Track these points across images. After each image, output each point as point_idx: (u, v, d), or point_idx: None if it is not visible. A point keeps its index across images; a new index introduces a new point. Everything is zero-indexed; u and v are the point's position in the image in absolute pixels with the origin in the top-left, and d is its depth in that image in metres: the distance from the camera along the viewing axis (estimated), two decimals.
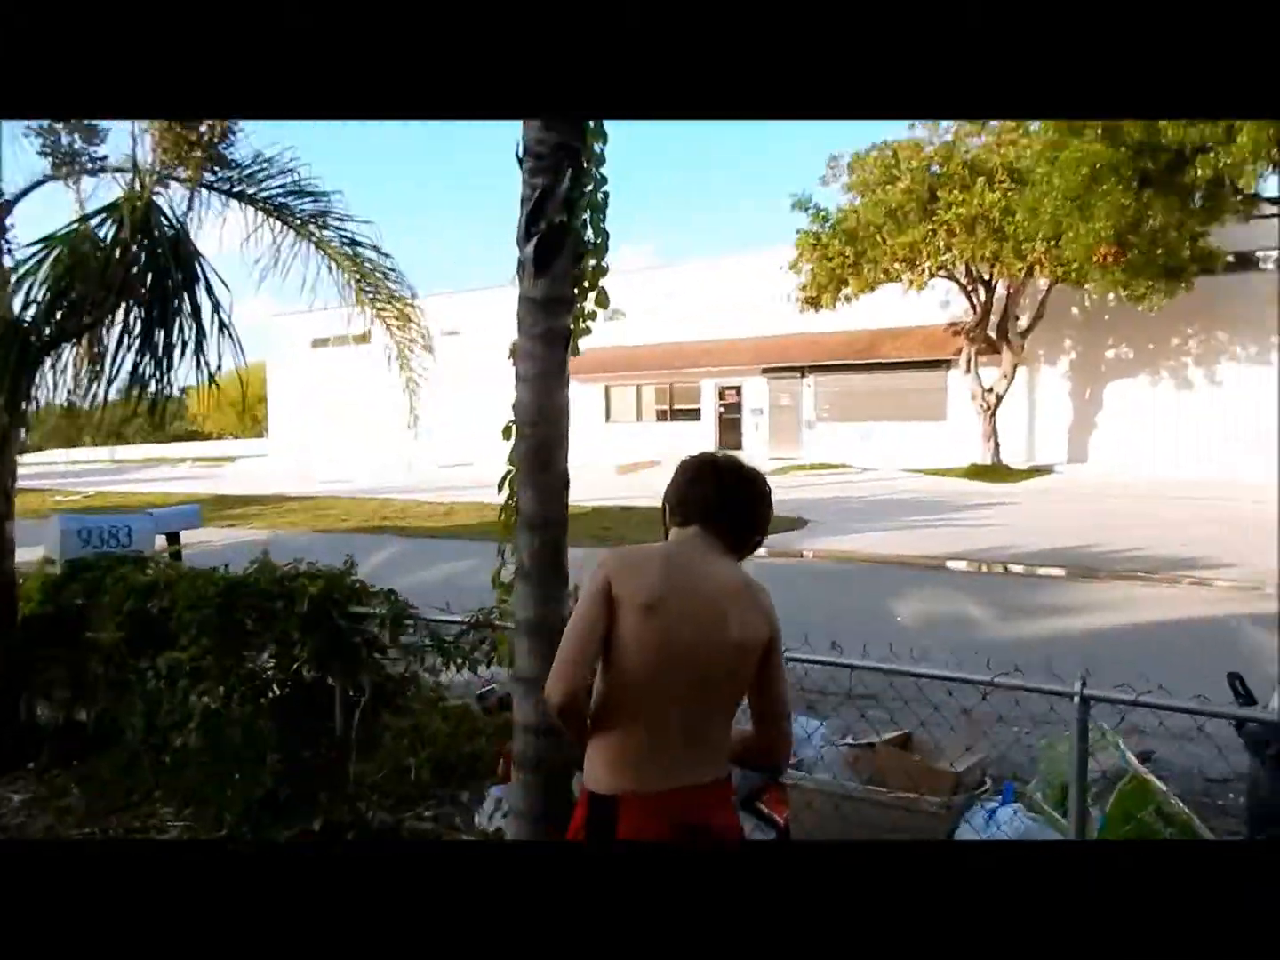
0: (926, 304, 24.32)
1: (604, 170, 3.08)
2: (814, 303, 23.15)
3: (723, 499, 2.26)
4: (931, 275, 22.28)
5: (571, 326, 3.11)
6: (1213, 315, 21.61)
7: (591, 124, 3.02)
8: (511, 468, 3.21)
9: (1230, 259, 19.37)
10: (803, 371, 27.46)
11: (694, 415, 29.42)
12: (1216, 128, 9.14)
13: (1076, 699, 2.74)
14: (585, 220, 3.07)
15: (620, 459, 27.49)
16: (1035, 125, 20.33)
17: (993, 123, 21.27)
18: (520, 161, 3.03)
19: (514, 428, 3.14)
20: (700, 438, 27.87)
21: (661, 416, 31.00)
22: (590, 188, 3.06)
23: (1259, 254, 21.02)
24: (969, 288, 23.08)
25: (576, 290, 3.12)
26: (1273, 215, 12.62)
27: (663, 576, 2.13)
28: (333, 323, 7.91)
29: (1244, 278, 21.08)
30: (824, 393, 27.77)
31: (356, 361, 30.76)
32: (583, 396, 31.80)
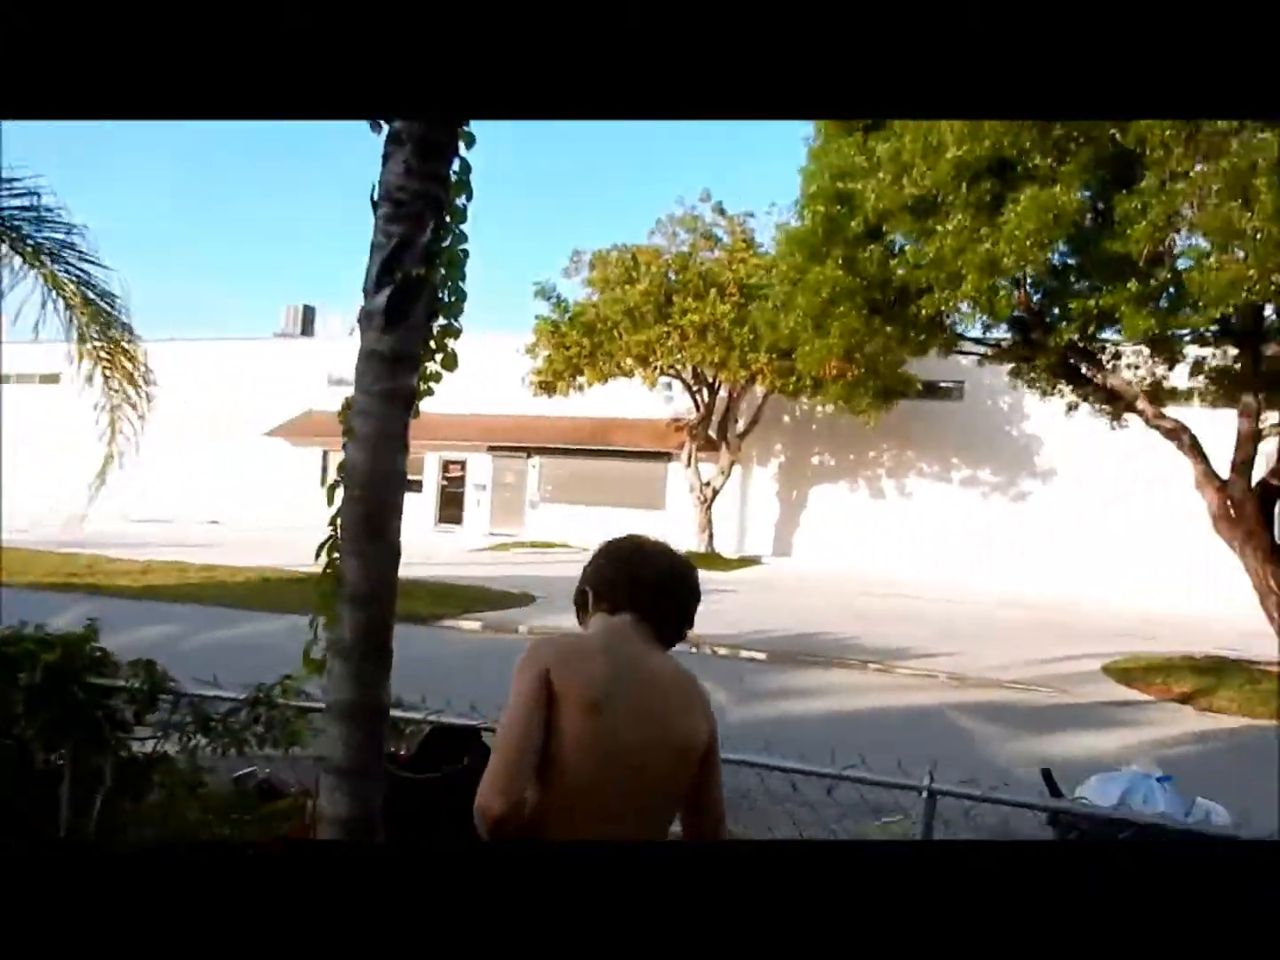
0: (650, 398, 25.32)
1: (464, 227, 2.95)
2: (548, 388, 23.51)
3: (660, 586, 2.13)
4: (662, 373, 23.29)
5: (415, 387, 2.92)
6: (904, 434, 23.92)
7: (456, 177, 2.89)
8: (333, 533, 2.94)
9: (919, 386, 21.60)
10: (529, 452, 27.65)
11: (415, 486, 28.78)
12: (941, 272, 10.19)
13: (925, 793, 2.81)
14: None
15: None
16: (765, 247, 22.03)
17: (724, 239, 22.85)
18: (375, 206, 2.84)
19: (341, 490, 2.89)
20: (422, 509, 27.28)
21: None
22: (450, 242, 2.91)
23: (943, 384, 23.66)
24: (695, 388, 24.29)
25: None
26: (970, 352, 14.16)
27: (606, 670, 1.95)
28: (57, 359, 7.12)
29: (931, 404, 23.60)
30: (548, 474, 28.06)
31: (67, 402, 27.79)
32: (298, 460, 30.32)
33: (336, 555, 2.92)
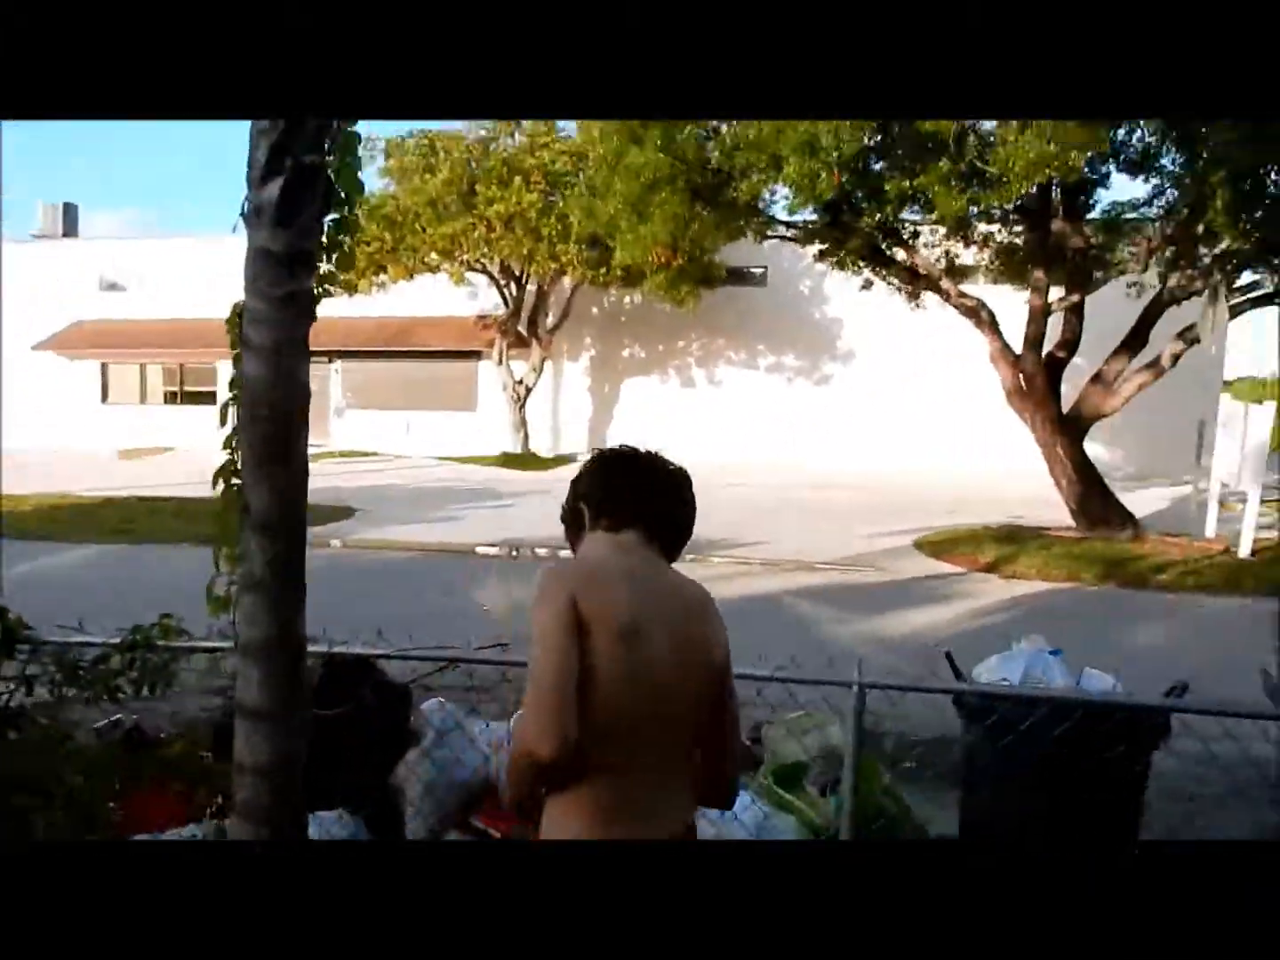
0: (457, 296, 24.57)
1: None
2: (349, 287, 22.37)
3: (665, 498, 2.00)
4: (469, 268, 22.55)
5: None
6: (712, 323, 24.19)
7: None
8: (230, 456, 2.65)
9: (724, 273, 21.80)
10: (330, 356, 26.41)
11: (209, 399, 27.10)
12: (761, 155, 10.17)
13: (855, 687, 2.84)
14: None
15: (122, 444, 24.57)
16: (566, 130, 21.45)
17: (525, 123, 22.06)
18: None
19: (237, 409, 2.59)
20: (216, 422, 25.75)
21: (171, 399, 28.14)
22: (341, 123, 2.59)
23: (749, 269, 23.98)
24: (503, 283, 23.68)
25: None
26: (783, 236, 14.33)
27: (632, 594, 1.84)
28: None
29: (736, 291, 23.90)
30: (353, 379, 26.99)
31: None
32: (74, 375, 27.92)
33: (236, 481, 2.64)
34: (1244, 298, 13.09)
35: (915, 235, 14.19)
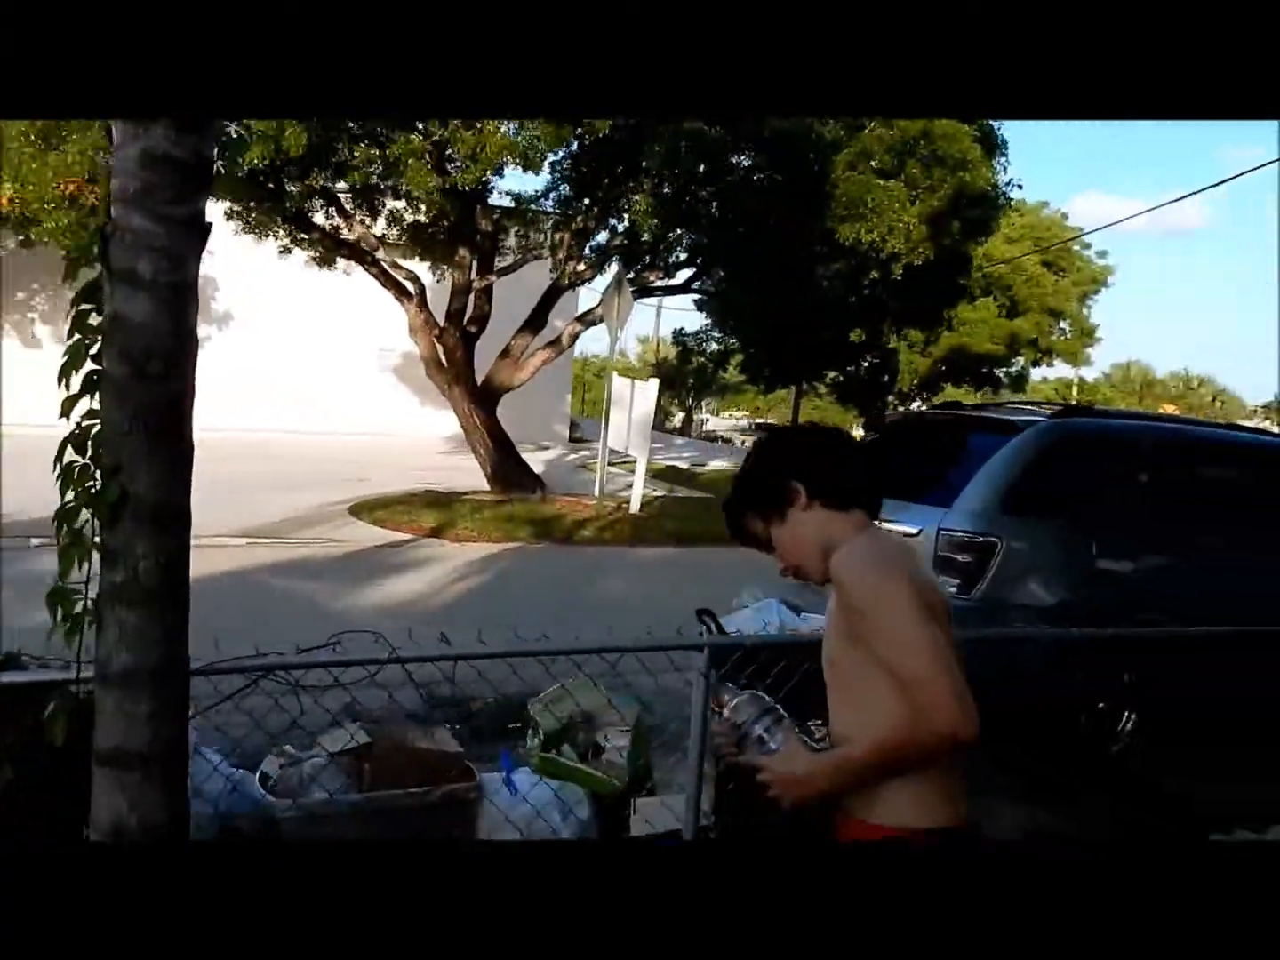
0: None
1: None
2: None
3: (871, 474, 1.99)
4: None
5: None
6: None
7: None
8: (83, 427, 1.97)
9: None
10: None
11: None
12: None
13: (706, 650, 2.97)
14: None
15: None
16: None
17: None
18: None
19: (112, 363, 1.94)
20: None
21: None
22: None
23: None
24: None
25: None
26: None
27: (927, 573, 1.86)
28: None
29: None
30: None
31: None
32: None
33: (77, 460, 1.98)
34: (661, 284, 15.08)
35: (338, 204, 13.95)
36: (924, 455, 6.37)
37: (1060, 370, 41.68)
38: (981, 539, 5.27)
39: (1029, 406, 6.62)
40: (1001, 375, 31.84)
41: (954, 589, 5.26)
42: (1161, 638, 4.57)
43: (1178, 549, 5.59)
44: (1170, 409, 44.73)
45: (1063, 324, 32.50)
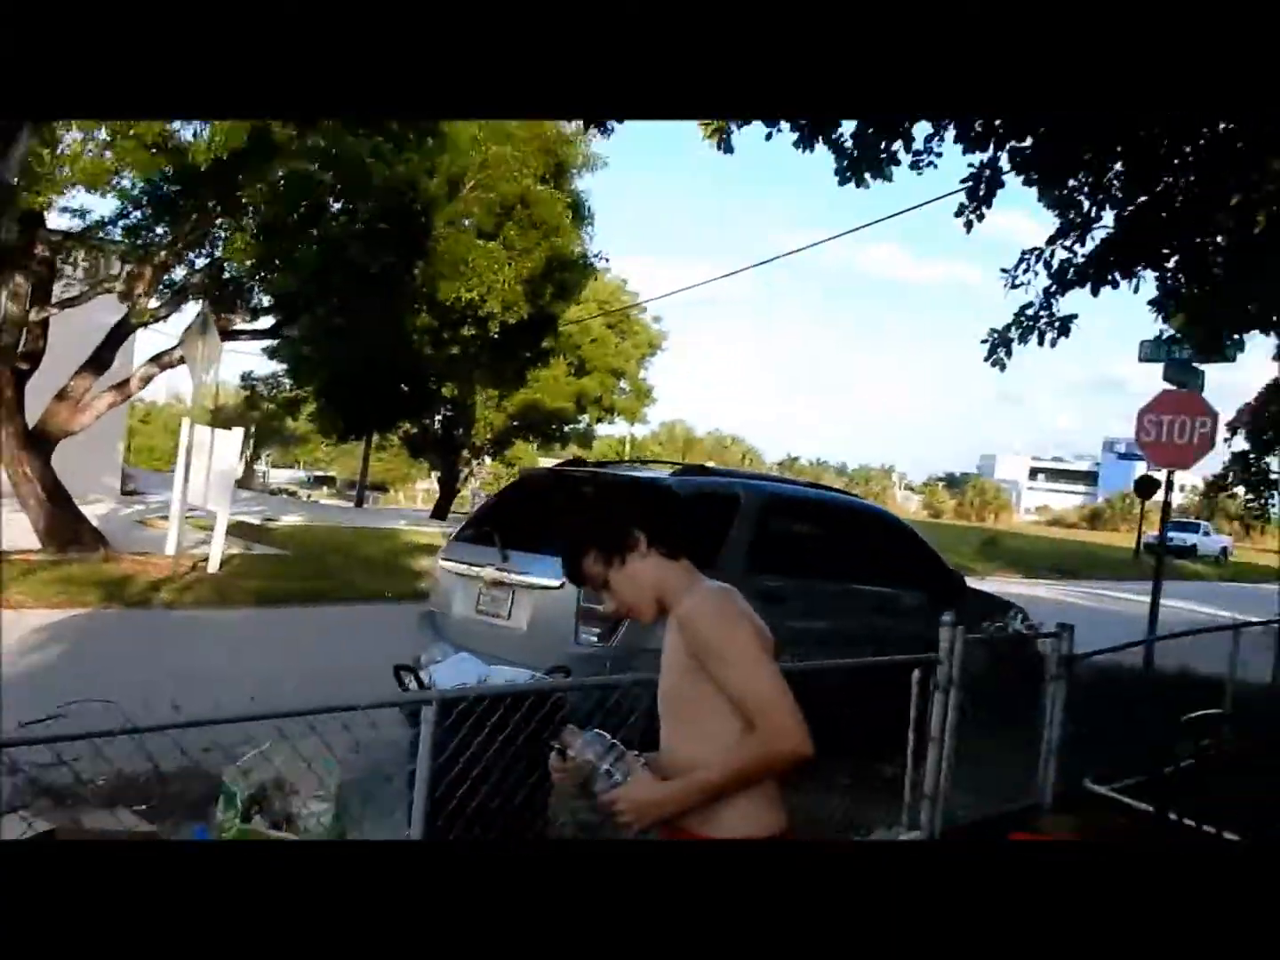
0: None
1: None
2: None
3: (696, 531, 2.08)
4: None
5: None
6: None
7: None
8: None
9: None
10: None
11: None
12: None
13: (435, 703, 2.95)
14: None
15: None
16: None
17: None
18: None
19: None
20: None
21: None
22: None
23: None
24: None
25: None
26: None
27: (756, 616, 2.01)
28: None
29: None
30: None
31: None
32: None
33: None
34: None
35: None
36: (549, 511, 6.70)
37: (618, 428, 44.98)
38: None
39: (649, 465, 7.19)
40: (569, 431, 33.74)
41: (595, 638, 5.59)
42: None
43: (788, 591, 6.36)
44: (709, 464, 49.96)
45: (623, 384, 35.15)
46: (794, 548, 6.53)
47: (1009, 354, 7.33)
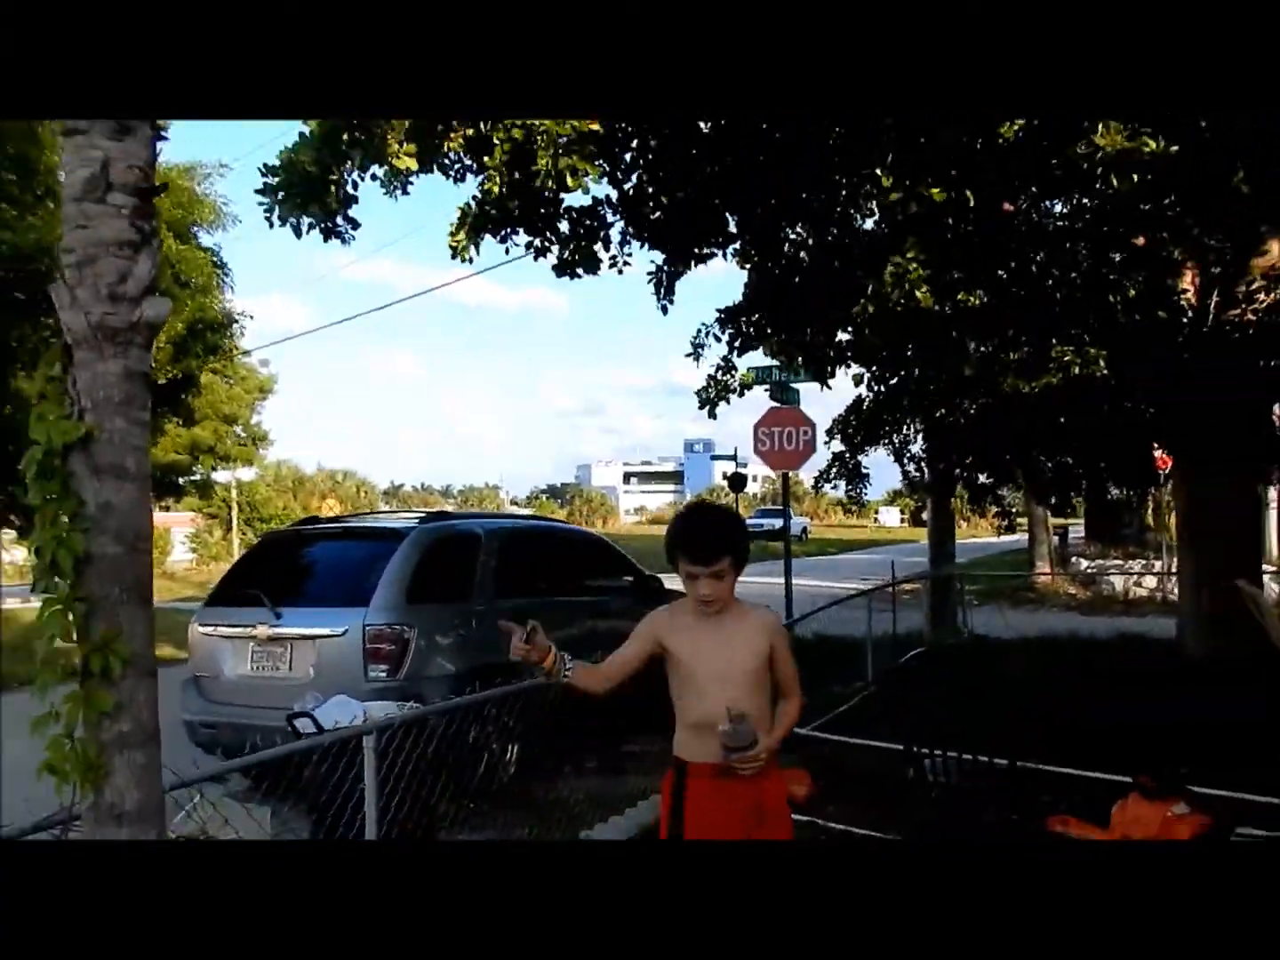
0: None
1: None
2: None
3: None
4: None
5: None
6: None
7: None
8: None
9: None
10: None
11: None
12: None
13: (375, 733, 3.66)
14: None
15: None
16: None
17: None
18: None
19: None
20: None
21: None
22: None
23: None
24: None
25: None
26: None
27: None
28: None
29: None
30: None
31: None
32: None
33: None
34: None
35: None
36: (310, 565, 7.26)
37: (228, 474, 42.87)
38: (399, 627, 6.38)
39: (396, 514, 7.86)
40: (184, 483, 31.95)
41: (384, 673, 6.29)
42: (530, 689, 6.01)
43: (531, 610, 7.32)
44: (330, 503, 48.93)
45: (238, 429, 33.78)
46: (529, 572, 7.50)
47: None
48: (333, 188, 6.26)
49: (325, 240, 6.73)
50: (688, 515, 3.16)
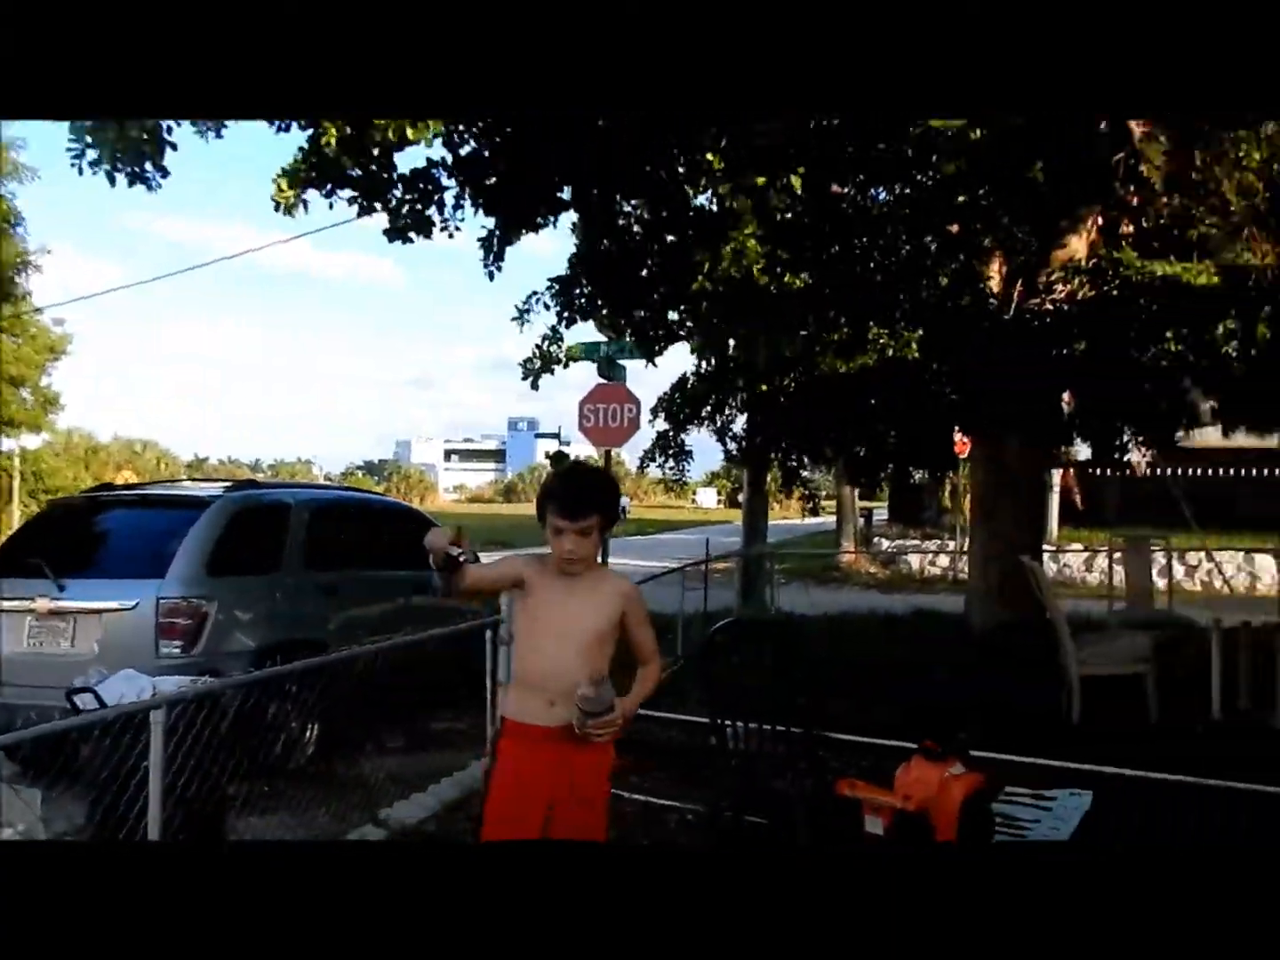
0: None
1: None
2: None
3: None
4: None
5: None
6: None
7: None
8: None
9: None
10: None
11: None
12: None
13: (165, 707, 3.42)
14: None
15: None
16: None
17: None
18: None
19: None
20: None
21: None
22: None
23: None
24: None
25: None
26: None
27: None
28: None
29: None
30: None
31: None
32: None
33: None
34: None
35: None
36: (102, 535, 6.78)
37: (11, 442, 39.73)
38: (196, 601, 6.05)
39: (200, 482, 7.42)
40: None
41: (177, 649, 5.95)
42: (335, 663, 5.81)
43: (341, 583, 7.10)
44: (126, 474, 45.92)
45: (25, 393, 31.29)
46: (340, 545, 7.24)
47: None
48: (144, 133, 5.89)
49: (130, 185, 6.33)
50: (565, 473, 3.24)
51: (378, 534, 7.79)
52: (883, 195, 8.42)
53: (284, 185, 6.24)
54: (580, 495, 2.94)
